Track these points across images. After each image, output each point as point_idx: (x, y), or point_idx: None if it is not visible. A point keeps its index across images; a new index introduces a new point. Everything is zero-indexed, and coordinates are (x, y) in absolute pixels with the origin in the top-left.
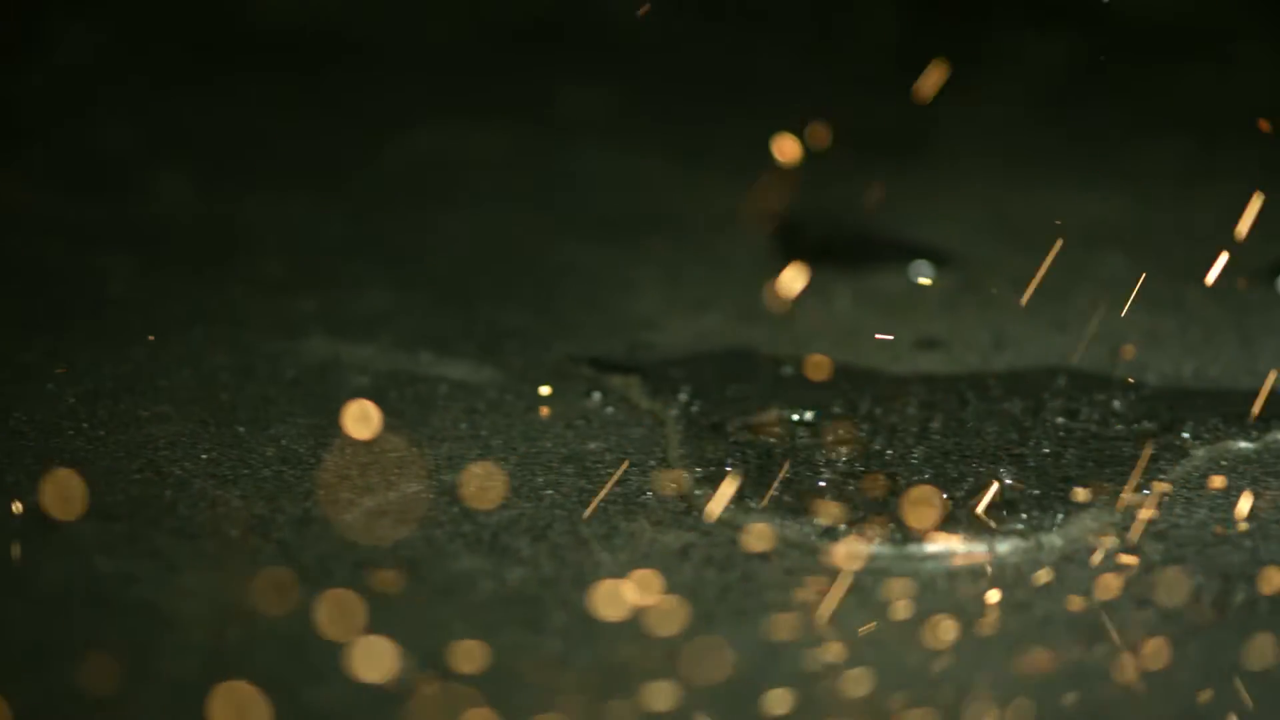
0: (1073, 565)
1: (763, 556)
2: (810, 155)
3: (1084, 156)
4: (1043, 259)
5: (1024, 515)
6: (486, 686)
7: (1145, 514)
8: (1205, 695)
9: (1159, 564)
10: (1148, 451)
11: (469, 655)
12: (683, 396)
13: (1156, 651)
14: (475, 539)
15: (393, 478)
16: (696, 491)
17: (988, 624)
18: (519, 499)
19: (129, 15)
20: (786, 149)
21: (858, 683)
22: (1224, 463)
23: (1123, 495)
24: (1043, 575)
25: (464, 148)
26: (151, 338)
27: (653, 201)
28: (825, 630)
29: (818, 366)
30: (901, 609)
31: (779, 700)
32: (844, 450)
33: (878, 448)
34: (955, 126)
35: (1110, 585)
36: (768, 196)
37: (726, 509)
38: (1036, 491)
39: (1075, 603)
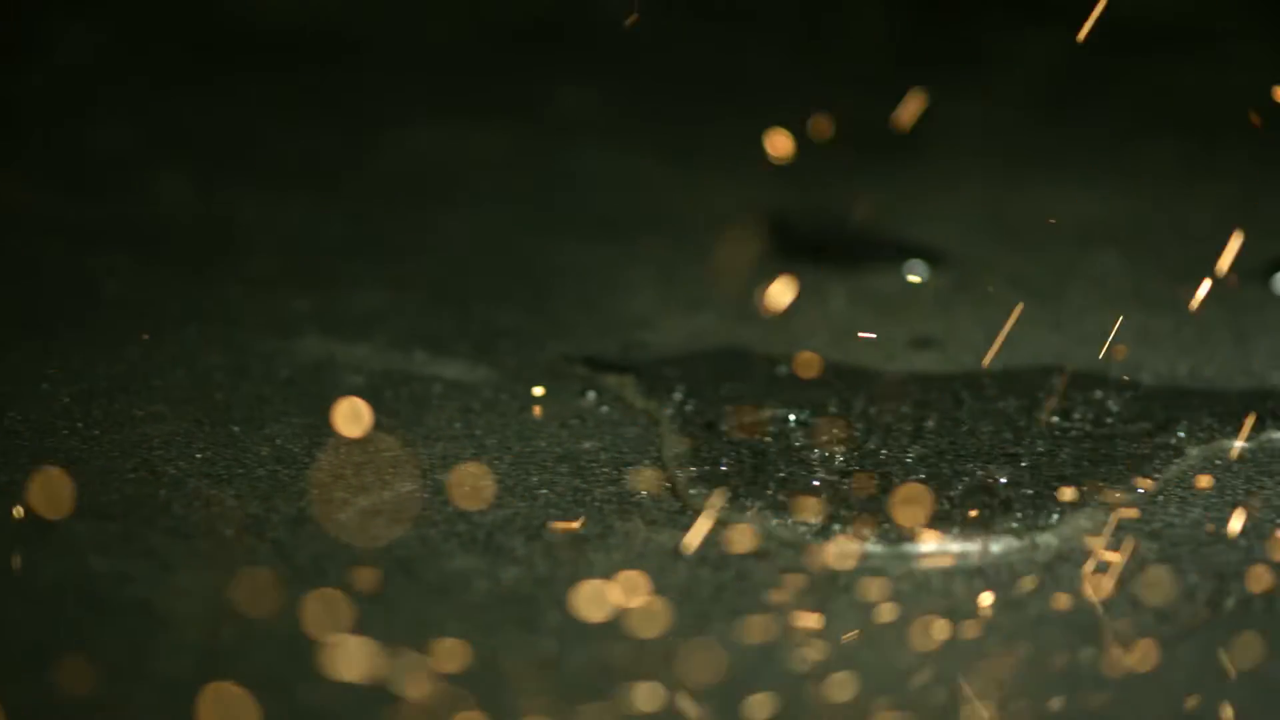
0: (1067, 564)
1: (757, 556)
2: (805, 154)
3: (1079, 155)
4: (1037, 258)
5: (1018, 514)
6: (480, 686)
7: (1139, 513)
8: (1200, 695)
9: (1153, 563)
10: (1142, 451)
11: (463, 654)
12: (677, 396)
13: (1151, 651)
14: (470, 538)
15: (387, 477)
16: (691, 491)
17: (982, 623)
18: (513, 498)
19: (126, 15)
20: (781, 148)
21: (851, 682)
22: (1218, 462)
23: (1117, 494)
24: (1037, 574)
25: (459, 147)
26: (146, 337)
27: (647, 201)
28: (819, 630)
29: (811, 365)
30: (895, 608)
31: (772, 700)
32: (838, 450)
33: (872, 447)
34: (950, 125)
35: (1104, 584)
36: (762, 196)
37: (721, 508)
38: (1031, 491)
39: (1070, 602)
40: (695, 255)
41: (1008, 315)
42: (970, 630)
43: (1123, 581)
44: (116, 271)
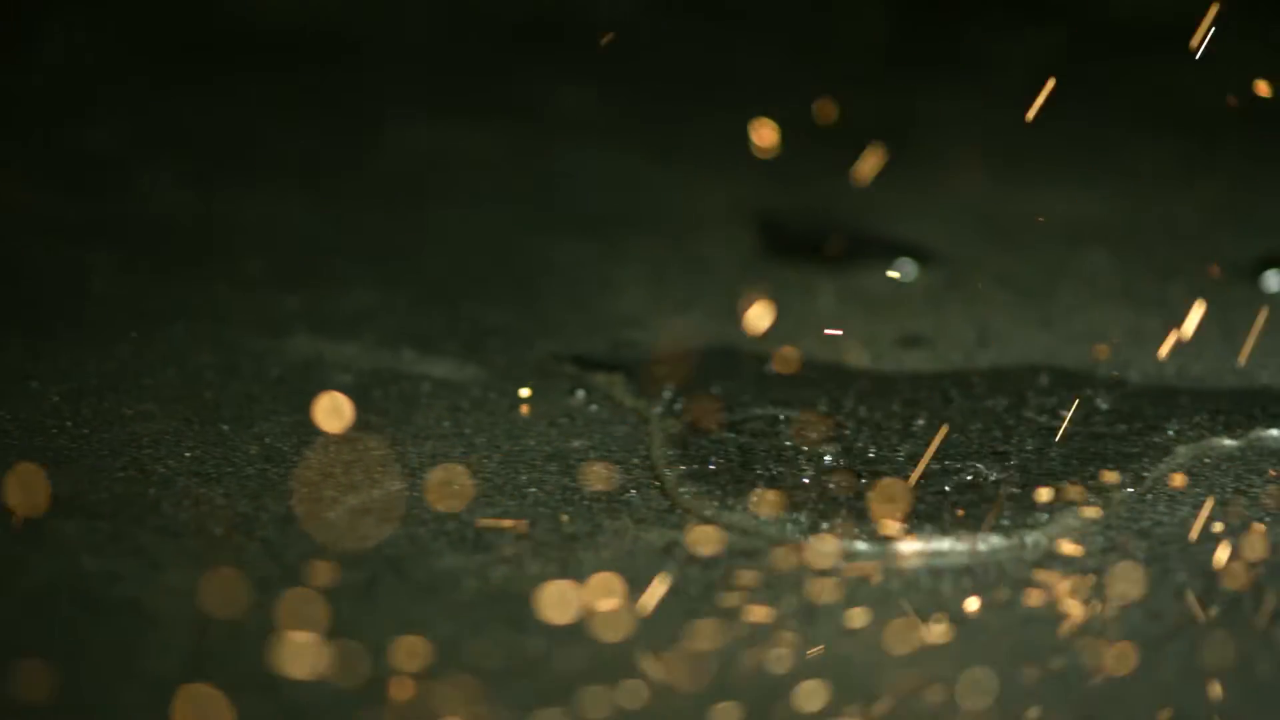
0: (1056, 563)
1: (746, 554)
2: (796, 154)
3: (1068, 155)
4: (1027, 256)
5: (1007, 513)
6: (471, 684)
7: (1128, 511)
8: (1189, 693)
9: (1142, 561)
10: (1131, 449)
11: (452, 653)
12: (666, 394)
13: (1140, 649)
14: (459, 537)
15: (376, 476)
16: (679, 489)
17: (971, 622)
18: (502, 497)
19: (119, 14)
20: (771, 147)
21: (842, 681)
22: (1207, 460)
23: (1106, 493)
24: (1026, 573)
25: (449, 147)
26: (134, 335)
27: (637, 200)
28: (808, 628)
29: (801, 364)
30: (883, 607)
31: (764, 698)
32: (827, 448)
33: (861, 446)
34: (940, 124)
35: (1093, 583)
36: (753, 195)
37: (710, 507)
38: (1020, 489)
39: (1058, 600)
40: (685, 254)
41: (997, 314)
42: (958, 628)
43: (1112, 579)
44: (106, 270)
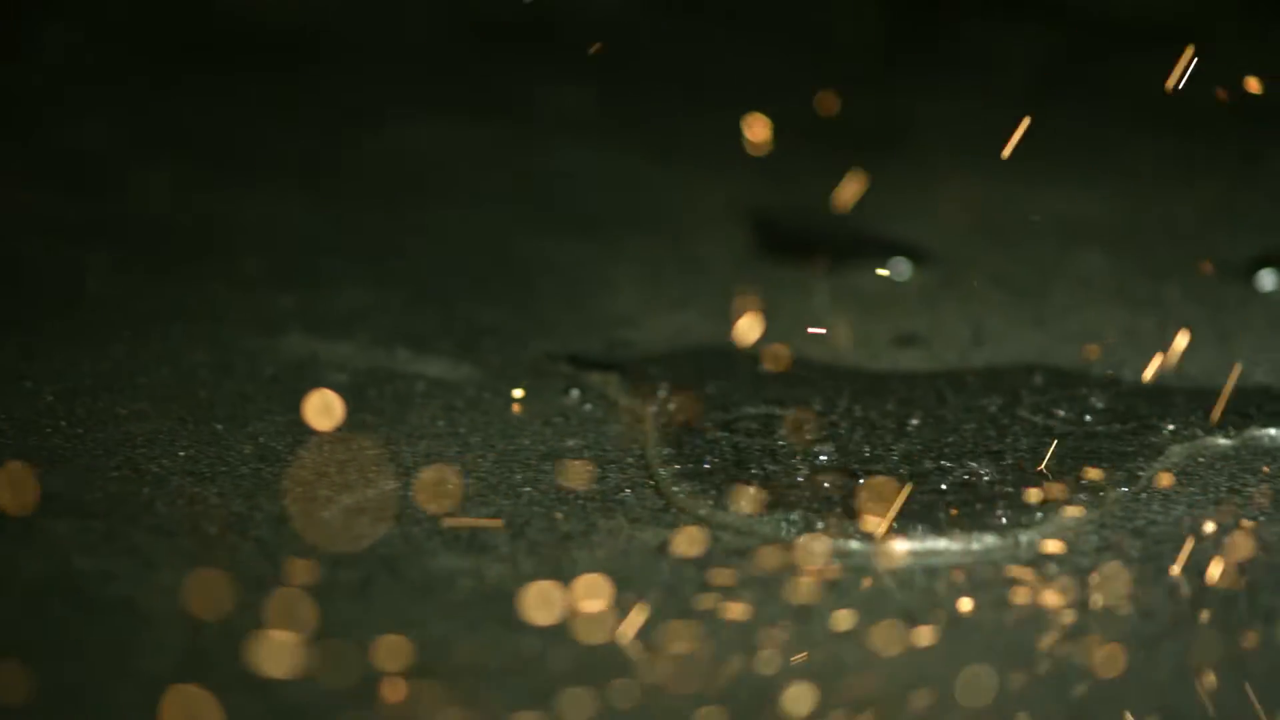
0: (1050, 562)
1: (740, 553)
2: (790, 152)
3: (1063, 154)
4: (1022, 256)
5: (1001, 512)
6: (464, 684)
7: (1123, 510)
8: (1183, 691)
9: (1137, 561)
10: (1126, 448)
11: (446, 652)
12: (661, 393)
13: (1134, 648)
14: (453, 536)
15: (370, 475)
16: (675, 488)
17: (964, 621)
18: (497, 496)
19: (107, 14)
20: (765, 146)
21: (832, 680)
22: (1201, 460)
23: (1100, 492)
24: (1020, 572)
25: (443, 146)
26: (128, 334)
27: (631, 199)
28: (801, 627)
29: (795, 363)
30: (878, 606)
31: (755, 697)
32: (821, 447)
33: (856, 445)
34: (935, 123)
35: (1088, 582)
36: (747, 194)
37: (704, 506)
38: (1014, 488)
39: (1053, 599)
40: (680, 253)
41: (992, 312)
42: (952, 628)
43: (1106, 579)
44: (101, 269)
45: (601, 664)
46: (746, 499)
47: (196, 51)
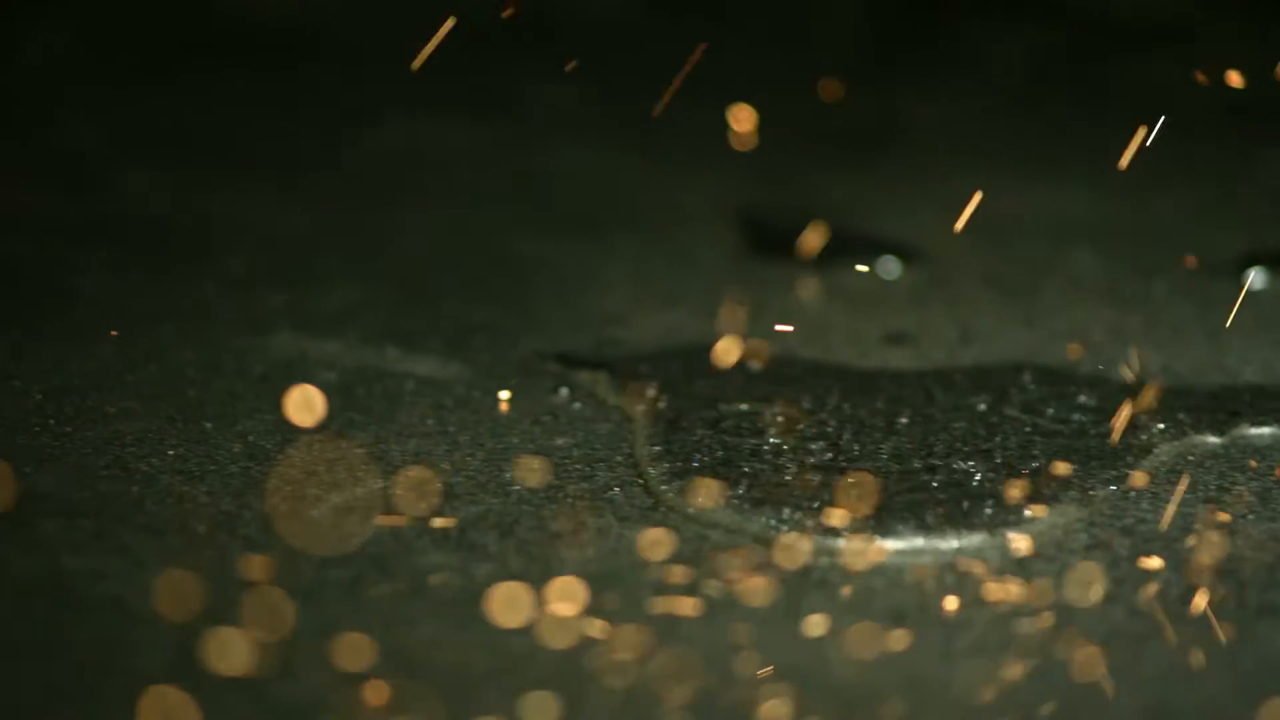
0: (1039, 560)
1: (729, 551)
2: (778, 151)
3: (1053, 152)
4: (1011, 254)
5: (990, 510)
6: (454, 682)
7: (1112, 509)
8: (1172, 690)
9: (1125, 559)
10: (1114, 447)
11: (436, 650)
12: (650, 392)
13: (1123, 648)
14: (442, 535)
15: (359, 474)
16: (663, 487)
17: (953, 620)
18: (486, 495)
19: (95, 13)
20: (755, 144)
21: (819, 679)
22: (1190, 458)
23: (1089, 491)
24: (1009, 571)
25: (432, 145)
26: (115, 333)
27: (620, 198)
28: (788, 625)
29: (783, 361)
30: (867, 604)
31: (747, 696)
32: (810, 445)
33: (845, 443)
34: (924, 121)
35: (1077, 581)
36: (736, 192)
37: (693, 504)
38: (1002, 487)
39: (1041, 598)
40: (668, 252)
41: (981, 311)
42: (939, 626)
43: (1095, 577)
44: (89, 268)
45: (589, 662)
46: (735, 497)
47: (187, 51)
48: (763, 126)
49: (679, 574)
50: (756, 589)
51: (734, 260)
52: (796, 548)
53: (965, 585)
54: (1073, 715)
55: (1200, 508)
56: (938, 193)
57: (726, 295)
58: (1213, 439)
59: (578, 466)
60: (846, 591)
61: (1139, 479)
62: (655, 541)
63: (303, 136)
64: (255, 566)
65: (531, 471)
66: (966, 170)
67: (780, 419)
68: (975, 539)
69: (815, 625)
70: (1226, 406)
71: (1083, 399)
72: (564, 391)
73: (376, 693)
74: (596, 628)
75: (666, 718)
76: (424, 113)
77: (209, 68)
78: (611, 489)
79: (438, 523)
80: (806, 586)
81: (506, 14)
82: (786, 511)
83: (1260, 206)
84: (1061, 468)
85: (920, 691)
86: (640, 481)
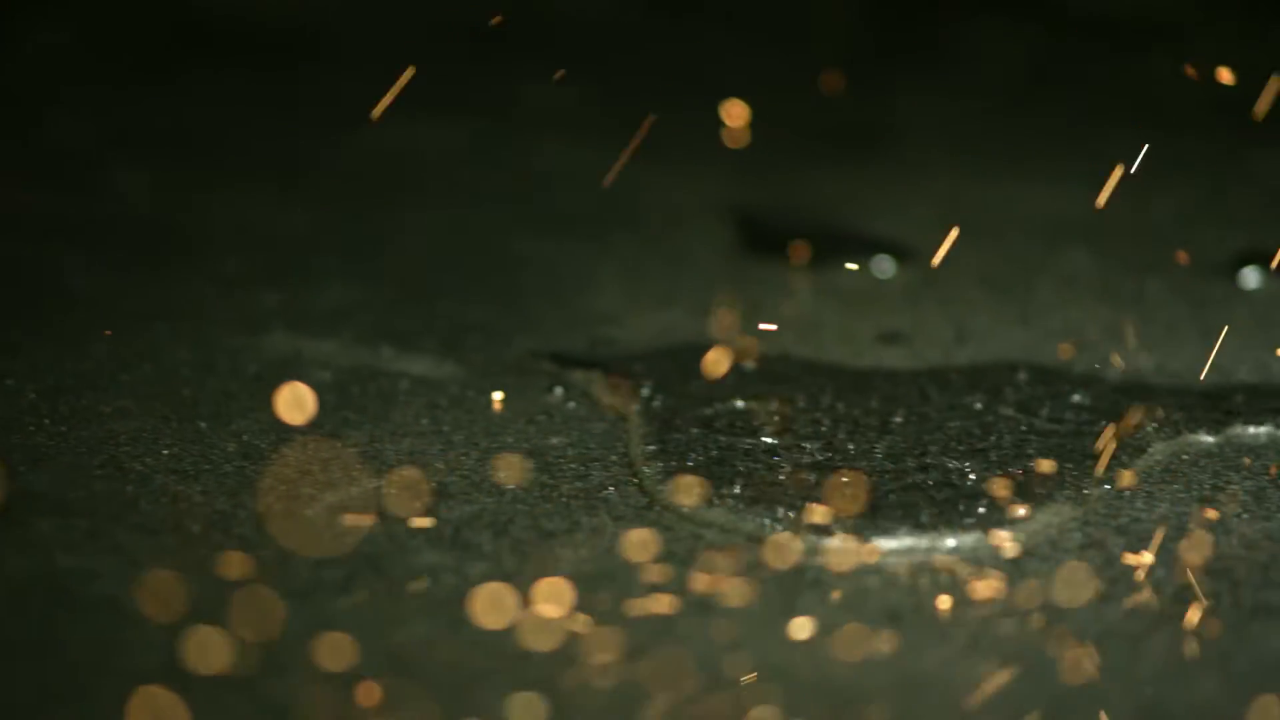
0: (1033, 559)
1: (724, 551)
2: (772, 150)
3: (1047, 150)
4: (1004, 253)
5: (984, 509)
6: (448, 681)
7: (1106, 508)
8: (1166, 689)
9: (1119, 558)
10: (1108, 446)
11: (429, 650)
12: (644, 391)
13: (1117, 647)
14: (436, 534)
15: (354, 473)
16: (658, 486)
17: (947, 619)
18: (480, 494)
19: (94, 13)
20: (749, 143)
21: (818, 678)
22: (1185, 457)
23: (1084, 489)
24: (1003, 569)
25: (425, 143)
26: (109, 333)
27: (613, 197)
28: (783, 624)
29: (778, 361)
30: (861, 603)
31: (741, 695)
32: (804, 445)
33: (839, 442)
34: (917, 121)
35: (1071, 579)
36: (730, 192)
37: (687, 504)
38: (996, 486)
39: (1035, 598)
40: (662, 251)
41: (975, 311)
42: (935, 625)
43: (1089, 576)
44: (83, 267)
45: (585, 662)
46: (729, 496)
47: (181, 50)
48: (758, 125)
49: (673, 574)
50: (750, 588)
51: (728, 259)
52: (790, 547)
53: (959, 584)
54: (1067, 715)
55: (1194, 507)
56: (932, 191)
57: (720, 295)
58: (1207, 438)
59: (572, 466)
60: (840, 591)
61: (1133, 478)
62: (649, 541)
63: (301, 136)
64: (249, 566)
65: (526, 471)
66: (961, 169)
67: (775, 418)
68: (969, 538)
69: (809, 624)
70: (1221, 406)
71: (1077, 398)
72: (558, 391)
73: (369, 692)
74: (590, 627)
75: (660, 718)
76: (418, 112)
77: (208, 68)
78: (606, 488)
79: (431, 522)
80: (800, 585)
81: (495, 22)
82: (780, 510)
83: (1255, 206)
84: (1056, 467)
85: (915, 690)
86: (635, 481)
